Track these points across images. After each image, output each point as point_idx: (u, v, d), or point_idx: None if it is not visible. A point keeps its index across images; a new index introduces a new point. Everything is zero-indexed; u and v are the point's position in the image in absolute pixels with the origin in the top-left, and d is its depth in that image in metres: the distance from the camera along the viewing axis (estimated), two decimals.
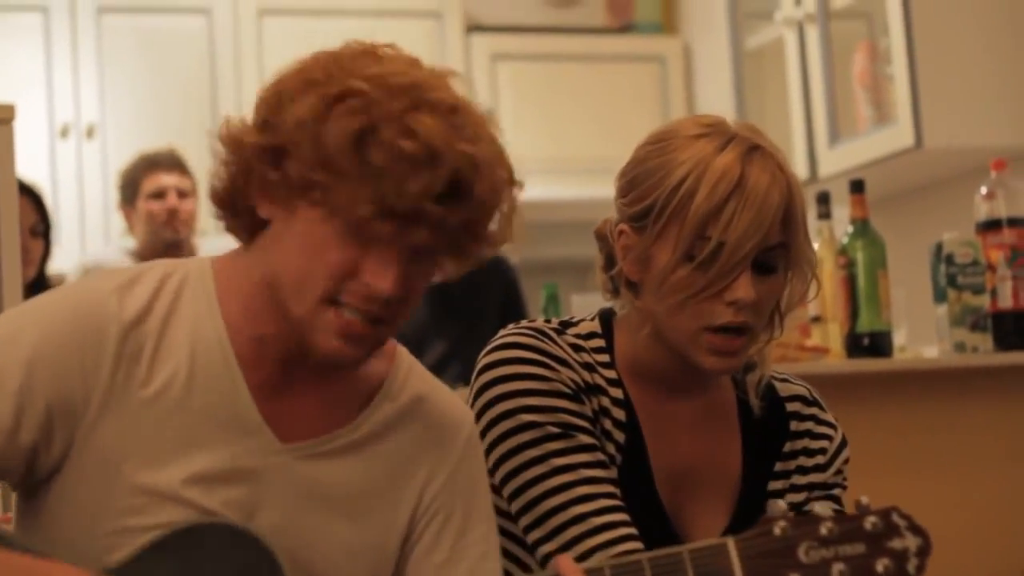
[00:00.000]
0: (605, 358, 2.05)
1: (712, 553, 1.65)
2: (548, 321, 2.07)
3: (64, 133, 5.65)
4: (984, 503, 3.48)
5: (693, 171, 1.94)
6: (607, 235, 2.07)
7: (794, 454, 2.11)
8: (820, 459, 2.11)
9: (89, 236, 5.60)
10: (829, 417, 2.15)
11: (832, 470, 2.12)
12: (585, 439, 1.98)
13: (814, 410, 2.14)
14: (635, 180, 2.01)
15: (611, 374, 2.04)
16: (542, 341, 2.01)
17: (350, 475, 1.77)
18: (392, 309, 1.69)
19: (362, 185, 1.62)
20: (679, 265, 1.95)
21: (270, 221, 1.71)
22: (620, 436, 2.02)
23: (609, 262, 2.08)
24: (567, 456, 1.96)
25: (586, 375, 2.01)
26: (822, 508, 1.68)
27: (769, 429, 2.11)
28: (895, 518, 1.68)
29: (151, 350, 1.71)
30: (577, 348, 2.03)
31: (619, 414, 2.03)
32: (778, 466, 2.10)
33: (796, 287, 2.02)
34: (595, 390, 2.02)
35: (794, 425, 2.12)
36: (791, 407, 2.13)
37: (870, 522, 1.66)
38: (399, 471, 1.81)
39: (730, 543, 1.65)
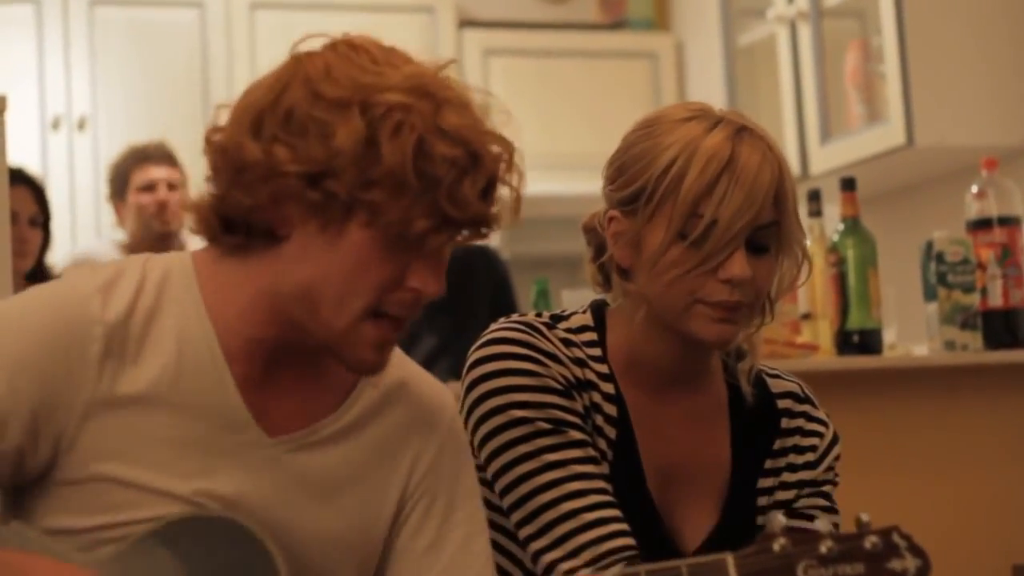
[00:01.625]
0: (597, 352, 2.04)
1: (710, 570, 1.63)
2: (539, 315, 2.06)
3: (56, 125, 5.64)
4: (973, 501, 3.49)
5: (683, 152, 1.94)
6: (595, 227, 2.07)
7: (784, 451, 2.11)
8: (810, 456, 2.11)
9: (80, 228, 5.60)
10: (820, 414, 2.15)
11: (822, 467, 2.11)
12: (576, 435, 1.98)
13: (805, 407, 2.14)
14: (624, 165, 2.01)
15: (602, 368, 2.04)
16: (532, 336, 2.01)
17: (337, 464, 1.77)
18: (420, 307, 1.71)
19: (419, 199, 1.62)
20: (672, 244, 1.95)
21: (286, 237, 1.68)
22: (611, 432, 2.02)
23: (598, 253, 2.08)
24: (558, 452, 1.96)
25: (577, 370, 2.01)
26: (823, 524, 1.66)
27: (759, 426, 2.10)
28: (895, 538, 1.65)
29: (136, 349, 1.70)
30: (568, 343, 2.03)
31: (610, 410, 2.02)
32: (768, 463, 2.10)
33: (787, 269, 2.02)
34: (586, 386, 2.01)
35: (785, 422, 2.12)
36: (782, 404, 2.13)
37: (870, 541, 1.64)
38: (386, 456, 1.81)
39: (729, 560, 1.63)
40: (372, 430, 1.80)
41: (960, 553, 3.43)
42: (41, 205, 4.25)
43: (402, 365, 1.85)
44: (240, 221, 1.70)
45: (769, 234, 1.97)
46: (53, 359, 1.66)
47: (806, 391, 2.16)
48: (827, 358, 3.42)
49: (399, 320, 1.70)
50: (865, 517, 1.66)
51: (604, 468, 2.00)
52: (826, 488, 2.11)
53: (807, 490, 2.10)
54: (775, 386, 2.14)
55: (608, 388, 2.03)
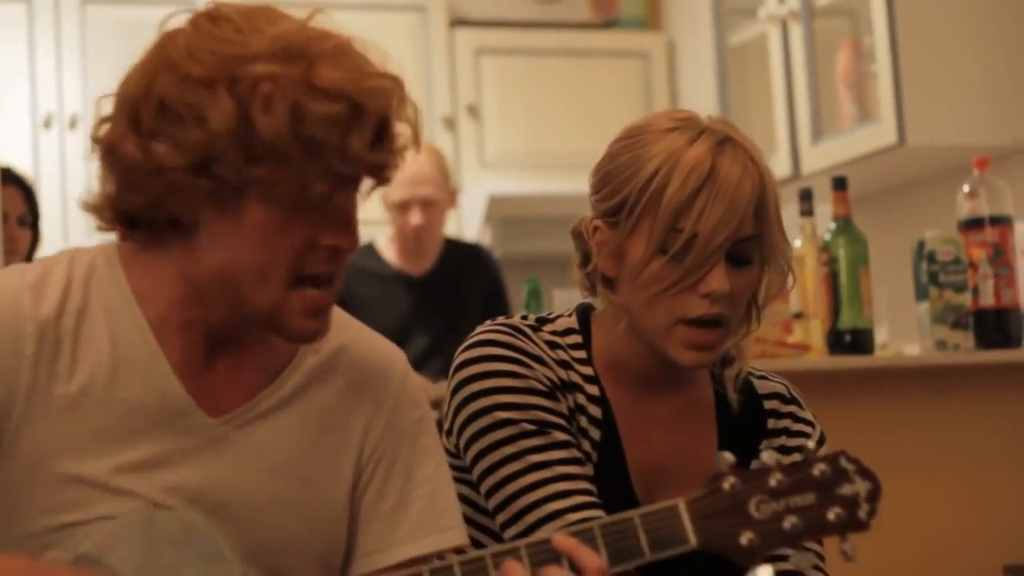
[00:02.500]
0: (582, 354, 2.05)
1: (663, 516, 1.63)
2: (524, 317, 2.07)
3: (47, 124, 5.63)
4: (964, 500, 3.49)
5: (664, 164, 1.95)
6: (583, 233, 2.07)
7: None
8: (796, 457, 2.11)
9: (72, 227, 5.58)
10: (807, 415, 2.15)
11: None
12: (561, 436, 1.98)
13: (792, 408, 2.14)
14: (608, 176, 2.02)
15: (587, 371, 2.04)
16: (518, 338, 2.01)
17: (283, 435, 1.76)
18: (345, 261, 1.69)
19: (308, 164, 1.60)
20: (653, 258, 1.96)
21: (193, 225, 1.67)
22: (596, 433, 2.02)
23: (586, 260, 2.08)
24: (542, 453, 1.96)
25: (562, 372, 2.01)
26: (769, 457, 1.66)
27: (746, 427, 2.11)
28: (843, 463, 1.66)
29: (70, 345, 1.69)
30: (553, 345, 2.03)
31: (595, 411, 2.03)
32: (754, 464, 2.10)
33: (772, 280, 2.02)
34: (571, 387, 2.02)
35: (771, 423, 2.12)
36: (769, 405, 2.13)
37: (819, 469, 1.65)
38: (333, 422, 1.79)
39: (680, 504, 1.64)
40: (315, 396, 1.78)
41: (950, 553, 3.43)
42: (30, 205, 4.24)
43: (344, 329, 1.82)
44: (142, 217, 1.70)
45: (750, 247, 1.97)
46: None
47: (792, 392, 2.16)
48: (818, 358, 3.42)
49: (328, 280, 1.68)
50: (811, 445, 1.67)
51: (589, 469, 2.00)
52: None
53: None
54: (761, 387, 2.14)
55: (593, 390, 2.03)
